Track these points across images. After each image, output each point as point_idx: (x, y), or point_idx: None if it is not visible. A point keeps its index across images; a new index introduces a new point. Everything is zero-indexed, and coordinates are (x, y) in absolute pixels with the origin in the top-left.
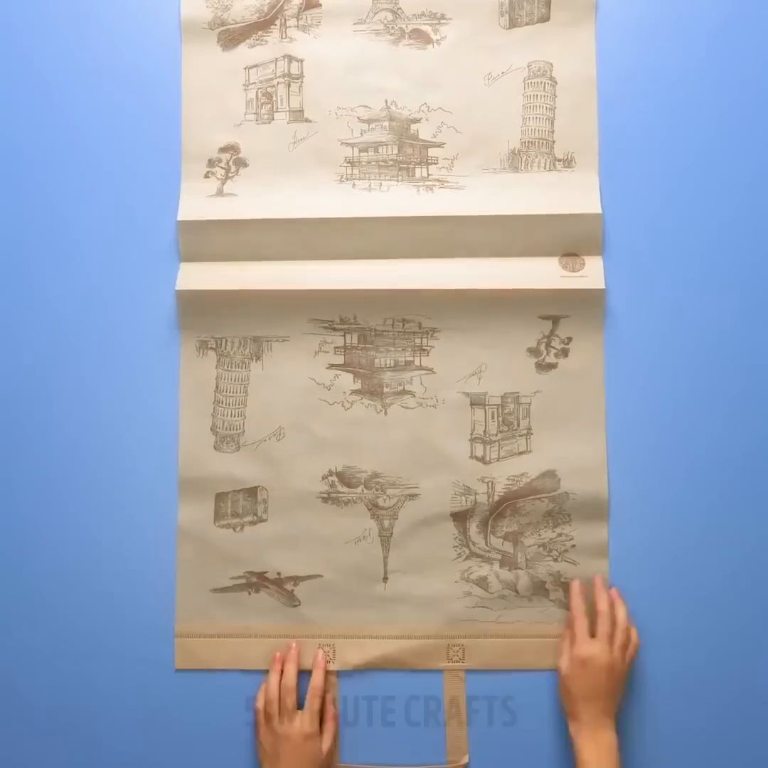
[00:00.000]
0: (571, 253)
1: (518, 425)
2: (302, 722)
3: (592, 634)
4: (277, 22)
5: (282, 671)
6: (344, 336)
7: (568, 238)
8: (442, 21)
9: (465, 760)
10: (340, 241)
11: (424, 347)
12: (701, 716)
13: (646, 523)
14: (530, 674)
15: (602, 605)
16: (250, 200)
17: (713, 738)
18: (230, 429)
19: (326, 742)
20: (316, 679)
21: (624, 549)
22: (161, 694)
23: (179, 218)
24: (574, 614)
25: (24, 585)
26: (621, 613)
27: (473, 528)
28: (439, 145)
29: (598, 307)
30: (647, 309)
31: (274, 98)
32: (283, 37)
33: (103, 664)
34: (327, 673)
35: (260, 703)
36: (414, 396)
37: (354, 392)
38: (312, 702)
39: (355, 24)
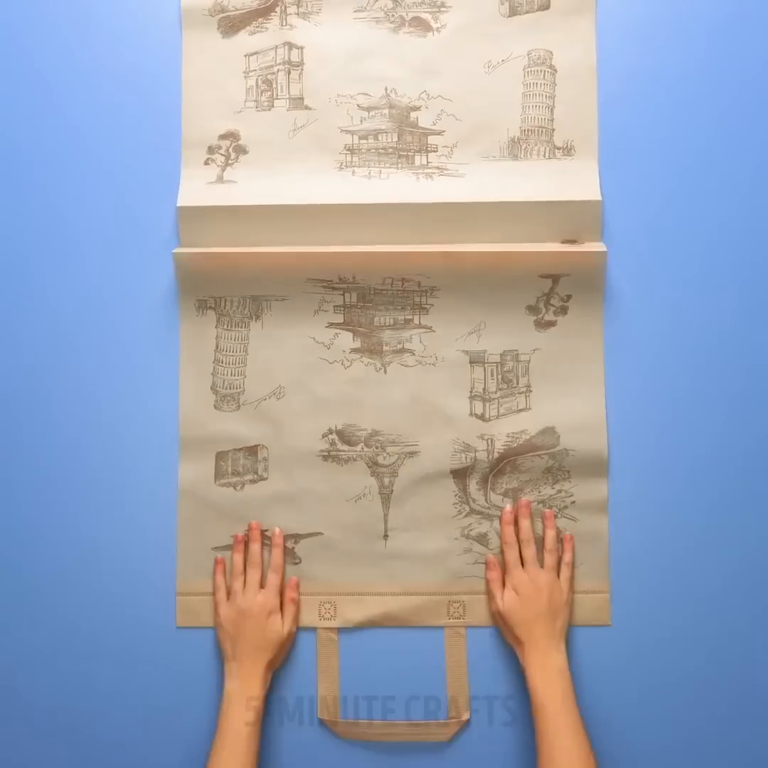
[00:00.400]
0: (570, 240)
1: (517, 383)
2: (265, 597)
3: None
4: (278, 9)
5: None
6: (343, 295)
7: (568, 225)
8: (442, 9)
9: (466, 716)
10: (340, 228)
11: (423, 306)
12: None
13: (646, 480)
14: None
15: (524, 532)
16: (250, 187)
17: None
18: (230, 388)
19: (287, 622)
20: (276, 557)
21: (623, 505)
22: (162, 651)
23: (179, 204)
24: (504, 542)
25: (26, 544)
26: (549, 535)
27: (473, 485)
28: (439, 133)
29: (599, 267)
30: (647, 297)
31: (274, 85)
32: (284, 24)
33: (105, 622)
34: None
35: (220, 577)
36: (413, 354)
37: (353, 351)
38: (272, 579)
39: (355, 12)
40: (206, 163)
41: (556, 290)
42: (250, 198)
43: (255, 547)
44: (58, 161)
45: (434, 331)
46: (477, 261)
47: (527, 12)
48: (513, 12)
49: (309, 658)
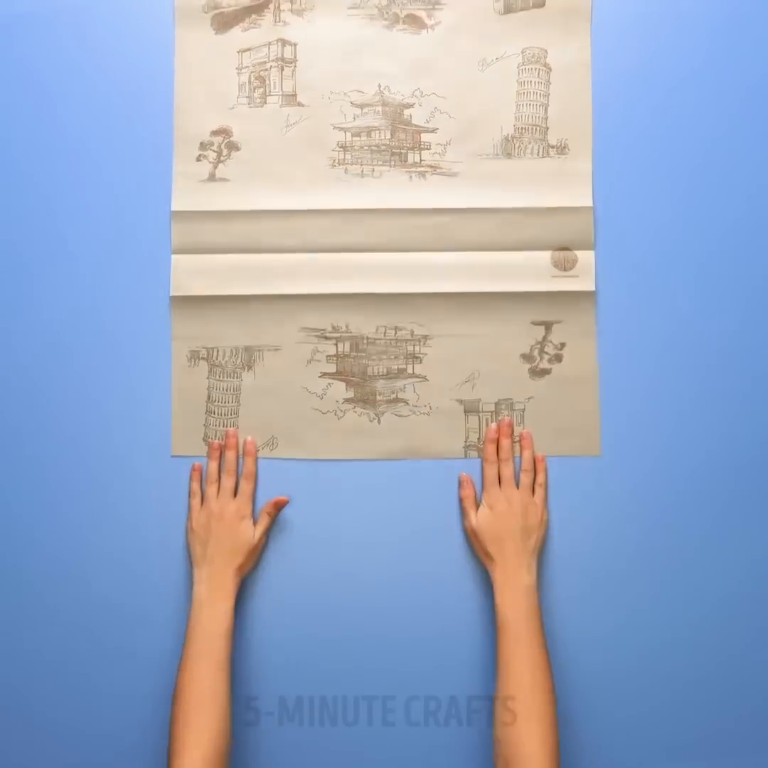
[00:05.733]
0: (563, 248)
1: (512, 432)
2: (238, 503)
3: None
4: (271, 5)
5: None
6: (336, 344)
7: (561, 231)
8: (436, 6)
9: None
10: (333, 233)
11: (416, 355)
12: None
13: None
14: None
15: (504, 451)
16: (242, 185)
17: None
18: (223, 439)
19: (259, 531)
20: (249, 465)
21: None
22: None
23: (173, 208)
24: (485, 459)
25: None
26: (525, 455)
27: None
28: (432, 131)
29: (590, 311)
30: (640, 305)
31: (267, 82)
32: (277, 20)
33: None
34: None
35: (195, 484)
36: (407, 404)
37: (347, 401)
38: (245, 486)
39: (349, 8)
40: (198, 159)
41: (549, 338)
42: (243, 198)
43: (230, 454)
44: (48, 155)
45: (428, 381)
46: (469, 297)
47: (522, 9)
48: (508, 9)
49: (306, 657)
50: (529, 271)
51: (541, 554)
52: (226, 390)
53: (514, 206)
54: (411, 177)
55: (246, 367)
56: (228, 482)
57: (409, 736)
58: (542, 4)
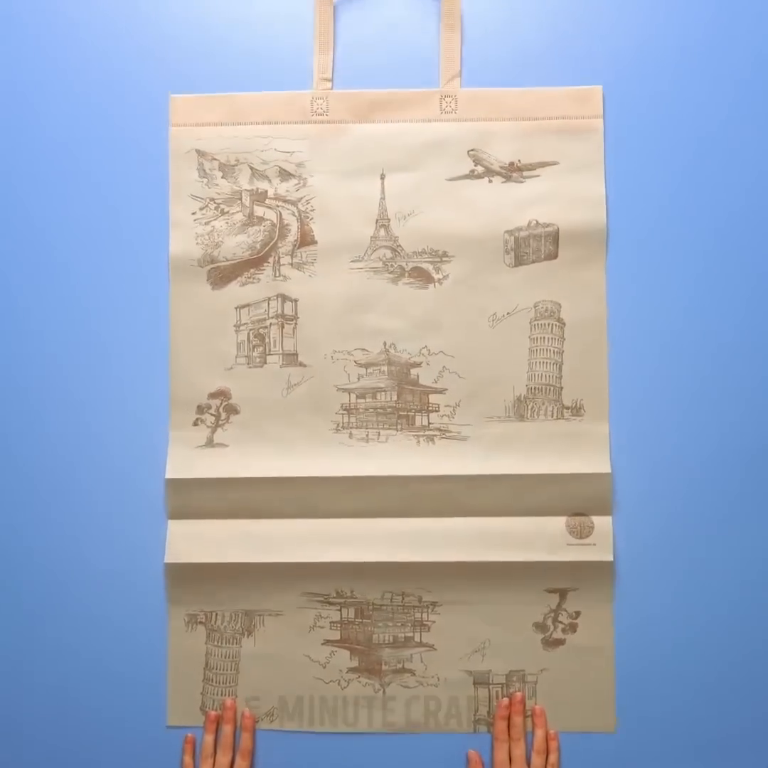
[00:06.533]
0: (579, 513)
1: (524, 708)
2: None
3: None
4: (271, 259)
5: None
6: (340, 610)
7: (577, 497)
8: (444, 259)
9: None
10: (336, 500)
11: (424, 622)
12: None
13: None
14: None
15: (515, 730)
16: (242, 452)
17: None
18: (221, 710)
19: None
20: (246, 742)
21: None
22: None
23: (167, 476)
24: (496, 738)
25: None
26: (538, 735)
27: None
28: (441, 391)
29: (607, 578)
30: (659, 569)
31: (267, 340)
32: (277, 275)
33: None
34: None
35: (188, 758)
36: (414, 674)
37: (351, 670)
38: (241, 765)
39: (352, 261)
40: (195, 424)
41: (563, 606)
42: (242, 465)
43: (227, 728)
44: (46, 429)
45: (436, 650)
46: (481, 566)
47: (534, 262)
48: (519, 261)
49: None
50: (543, 538)
51: None
52: (225, 657)
53: (527, 473)
54: (419, 441)
55: (246, 633)
56: (223, 759)
57: (409, 736)
58: (555, 256)
